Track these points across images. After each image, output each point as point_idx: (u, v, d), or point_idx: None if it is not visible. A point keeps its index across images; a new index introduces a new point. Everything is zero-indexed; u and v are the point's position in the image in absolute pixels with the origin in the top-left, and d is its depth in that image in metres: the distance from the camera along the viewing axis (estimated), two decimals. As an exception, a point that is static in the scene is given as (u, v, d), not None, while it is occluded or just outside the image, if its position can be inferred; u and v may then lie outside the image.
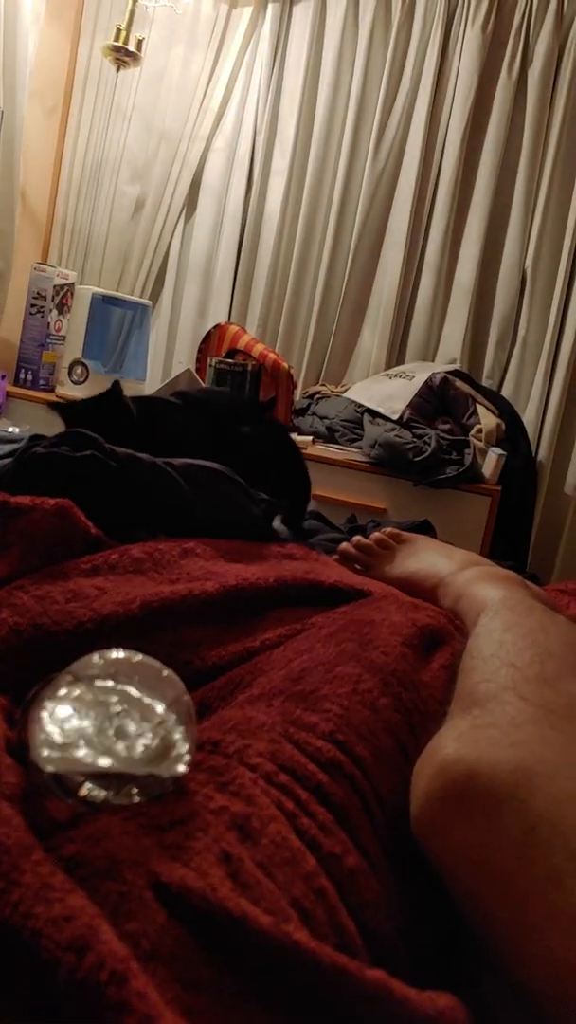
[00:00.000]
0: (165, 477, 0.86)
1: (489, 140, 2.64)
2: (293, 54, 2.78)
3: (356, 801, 0.45)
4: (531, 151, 2.60)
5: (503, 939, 0.38)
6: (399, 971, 0.40)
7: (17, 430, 1.76)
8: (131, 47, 2.56)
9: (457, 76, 2.65)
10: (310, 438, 2.45)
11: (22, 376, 2.63)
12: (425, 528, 1.47)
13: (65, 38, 2.82)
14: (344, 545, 1.06)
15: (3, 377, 2.53)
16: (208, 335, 2.61)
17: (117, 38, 2.55)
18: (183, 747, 0.40)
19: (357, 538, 1.07)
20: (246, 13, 2.81)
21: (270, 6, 2.77)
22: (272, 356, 2.46)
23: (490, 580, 0.85)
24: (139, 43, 2.59)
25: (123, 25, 2.56)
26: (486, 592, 0.80)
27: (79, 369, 2.48)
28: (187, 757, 0.41)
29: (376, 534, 1.07)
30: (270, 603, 0.74)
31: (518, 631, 0.61)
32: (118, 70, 2.64)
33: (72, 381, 2.50)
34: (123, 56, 2.56)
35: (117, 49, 2.55)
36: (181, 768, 0.40)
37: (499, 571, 0.90)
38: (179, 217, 2.91)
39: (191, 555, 0.78)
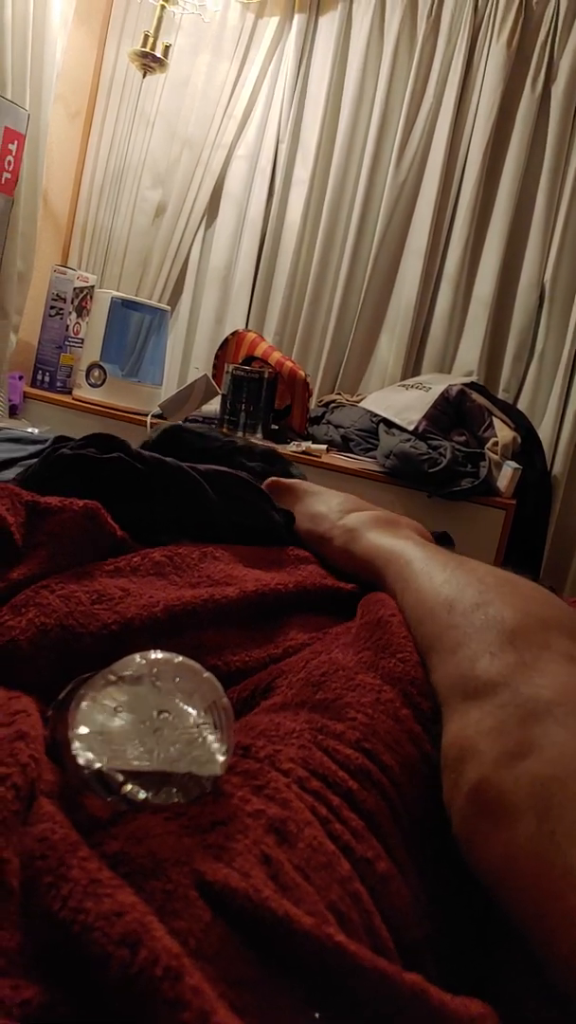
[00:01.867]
0: (191, 482, 0.87)
1: (511, 154, 2.65)
2: (318, 64, 2.80)
3: (385, 808, 0.46)
4: (553, 166, 2.61)
5: (534, 943, 0.39)
6: (429, 976, 0.41)
7: (36, 431, 1.77)
8: (158, 53, 2.58)
9: (481, 90, 2.66)
10: (325, 447, 2.46)
11: (39, 378, 2.65)
12: (444, 540, 1.47)
13: (92, 43, 2.85)
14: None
15: (21, 378, 2.54)
16: (225, 341, 2.62)
17: (144, 44, 2.57)
18: (221, 749, 0.41)
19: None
20: (272, 22, 2.83)
21: (296, 16, 2.79)
22: (289, 364, 2.46)
23: (381, 527, 0.88)
24: (166, 49, 2.61)
25: (151, 31, 2.57)
26: (385, 540, 0.83)
27: (96, 372, 2.49)
28: (225, 759, 0.41)
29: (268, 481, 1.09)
30: (291, 608, 0.75)
31: (459, 573, 0.65)
32: (144, 76, 2.66)
33: (89, 384, 2.51)
34: (150, 62, 2.58)
35: (144, 55, 2.57)
36: (219, 770, 0.41)
37: (381, 514, 0.93)
38: (200, 223, 2.92)
39: (211, 559, 0.79)
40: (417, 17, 2.70)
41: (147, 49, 2.57)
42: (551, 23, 2.60)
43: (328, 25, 2.79)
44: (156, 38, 2.58)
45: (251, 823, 0.39)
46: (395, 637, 0.65)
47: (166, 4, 2.59)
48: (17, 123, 2.30)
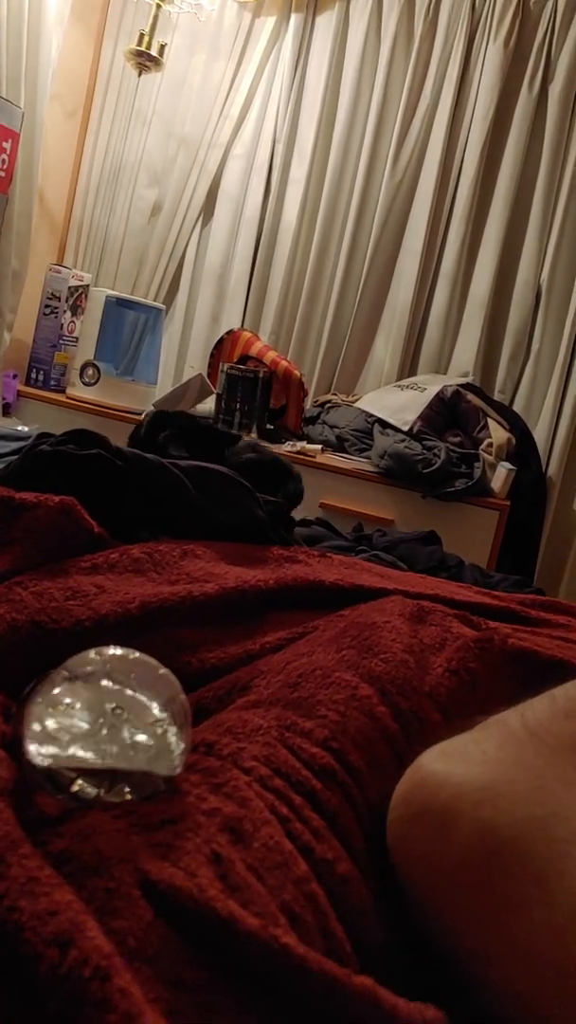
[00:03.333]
0: (171, 478, 0.86)
1: (508, 155, 2.65)
2: (314, 64, 2.80)
3: (349, 809, 0.45)
4: (550, 167, 2.60)
5: (464, 964, 0.37)
6: (388, 980, 0.40)
7: (26, 428, 1.76)
8: (154, 52, 2.58)
9: (478, 90, 2.66)
10: (320, 447, 2.45)
11: (33, 376, 2.64)
12: (432, 539, 1.46)
13: (88, 41, 2.84)
14: None
15: (15, 376, 2.53)
16: (221, 340, 2.61)
17: (140, 43, 2.57)
18: (177, 747, 0.40)
19: None
20: (269, 22, 2.83)
21: (293, 16, 2.78)
22: (284, 363, 2.46)
23: None
24: (162, 48, 2.60)
25: (146, 30, 2.57)
26: None
27: (91, 371, 2.49)
28: (181, 757, 0.40)
29: None
30: (271, 605, 0.74)
31: None
32: (140, 74, 2.66)
33: (83, 383, 2.51)
34: (145, 61, 2.58)
35: (139, 54, 2.56)
36: (175, 768, 0.40)
37: None
38: (196, 222, 2.92)
39: (191, 556, 0.78)
40: (414, 17, 2.70)
41: (143, 48, 2.57)
42: (548, 23, 2.60)
43: (325, 25, 2.78)
44: (152, 37, 2.58)
45: (204, 821, 0.38)
46: (383, 640, 0.64)
47: (162, 3, 2.59)
48: (11, 121, 2.29)
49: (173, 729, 0.41)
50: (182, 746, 0.40)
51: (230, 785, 0.42)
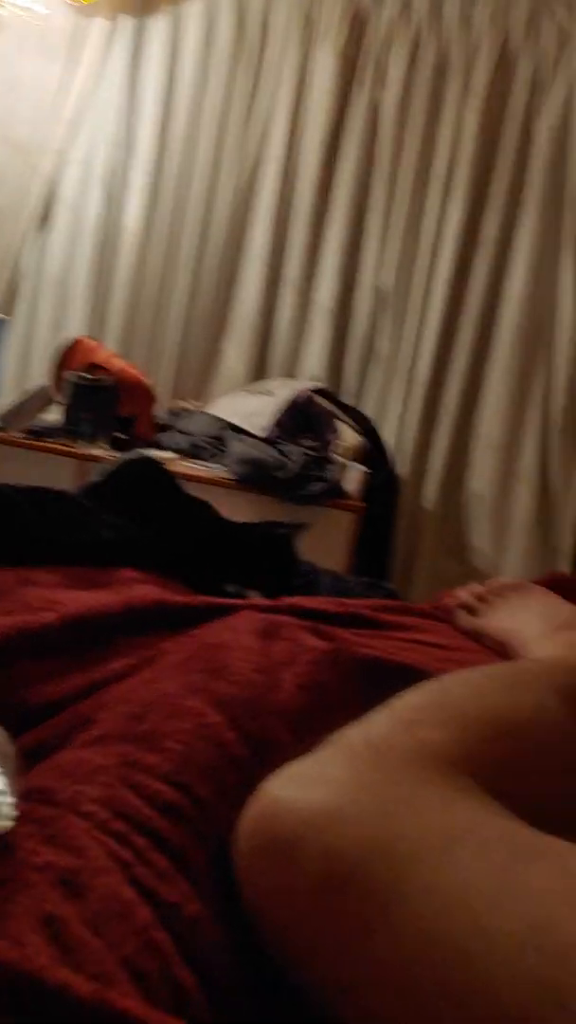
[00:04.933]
0: (2, 499, 0.82)
1: (345, 159, 2.70)
2: (151, 68, 2.76)
3: (197, 845, 0.43)
4: (386, 170, 2.67)
5: (320, 995, 0.36)
6: (243, 1018, 0.39)
7: None
8: (-20, 53, 2.48)
9: (315, 94, 2.69)
10: (173, 455, 2.42)
11: None
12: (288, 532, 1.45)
13: None
14: (460, 592, 1.04)
15: None
16: (65, 350, 2.54)
17: (-35, 43, 2.46)
18: (6, 801, 0.38)
19: (472, 584, 1.05)
20: (101, 24, 2.77)
21: (125, 19, 2.74)
22: (132, 371, 2.41)
23: (559, 647, 0.80)
24: (-12, 49, 2.51)
25: (-29, 30, 2.47)
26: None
27: None
28: (10, 810, 0.38)
29: (493, 581, 1.04)
30: (117, 631, 0.71)
31: (464, 681, 0.58)
32: (-34, 76, 2.55)
33: None
34: (-29, 62, 2.47)
35: (-35, 54, 2.46)
36: (4, 823, 0.37)
37: None
38: (34, 230, 2.83)
39: (29, 584, 0.75)
40: (246, 22, 2.70)
41: (-32, 48, 2.46)
42: (381, 31, 2.66)
43: (159, 29, 2.75)
44: (-22, 37, 2.48)
45: (36, 878, 0.36)
46: (231, 660, 0.63)
47: (-13, 2, 2.50)
48: None
49: (1, 781, 0.38)
50: (10, 800, 0.38)
51: (66, 834, 0.40)
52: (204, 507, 1.05)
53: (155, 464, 1.06)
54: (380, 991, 0.34)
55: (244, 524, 1.10)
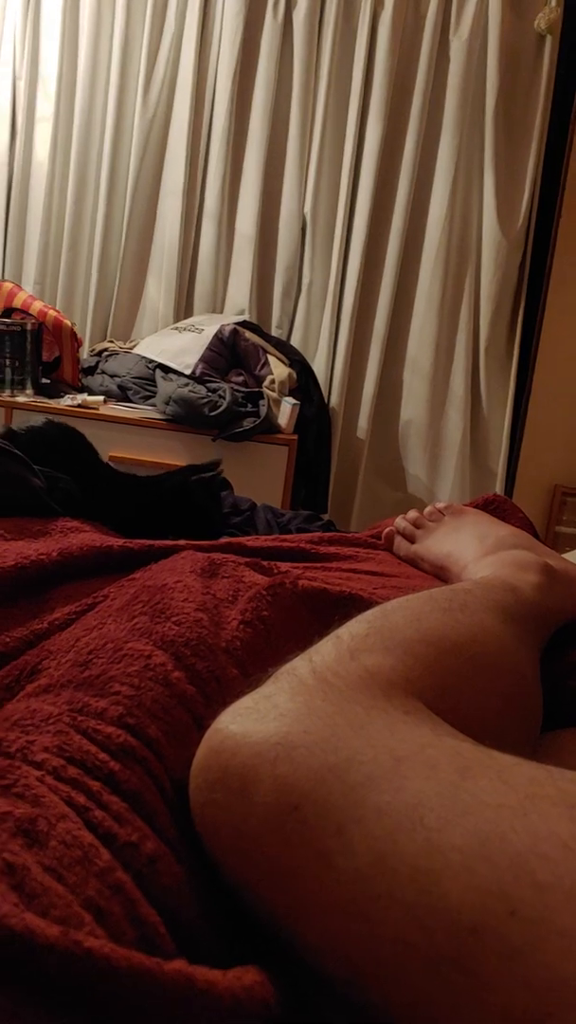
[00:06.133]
0: None
1: (259, 85, 2.62)
2: (48, -9, 2.63)
3: (151, 785, 0.43)
4: (301, 95, 2.61)
5: (281, 927, 0.37)
6: (210, 952, 0.40)
7: None
8: None
9: (223, 17, 2.60)
10: (102, 398, 2.38)
11: None
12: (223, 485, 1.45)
13: None
14: (398, 519, 1.04)
15: None
16: (-19, 295, 2.45)
17: None
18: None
19: (412, 511, 1.04)
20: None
21: None
22: (52, 313, 2.35)
23: (495, 567, 0.81)
24: None
25: None
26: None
27: None
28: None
29: (430, 507, 1.04)
30: (56, 579, 0.71)
31: (404, 606, 0.58)
32: None
33: None
34: None
35: None
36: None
37: (521, 558, 0.83)
38: None
39: (-37, 538, 0.73)
40: None
41: None
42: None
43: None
44: None
45: (-6, 831, 0.36)
46: (174, 602, 0.63)
47: None
48: None
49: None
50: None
51: (20, 784, 0.40)
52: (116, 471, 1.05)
53: (74, 431, 1.04)
54: (337, 912, 0.35)
55: (154, 478, 1.09)
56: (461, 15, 2.54)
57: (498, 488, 2.70)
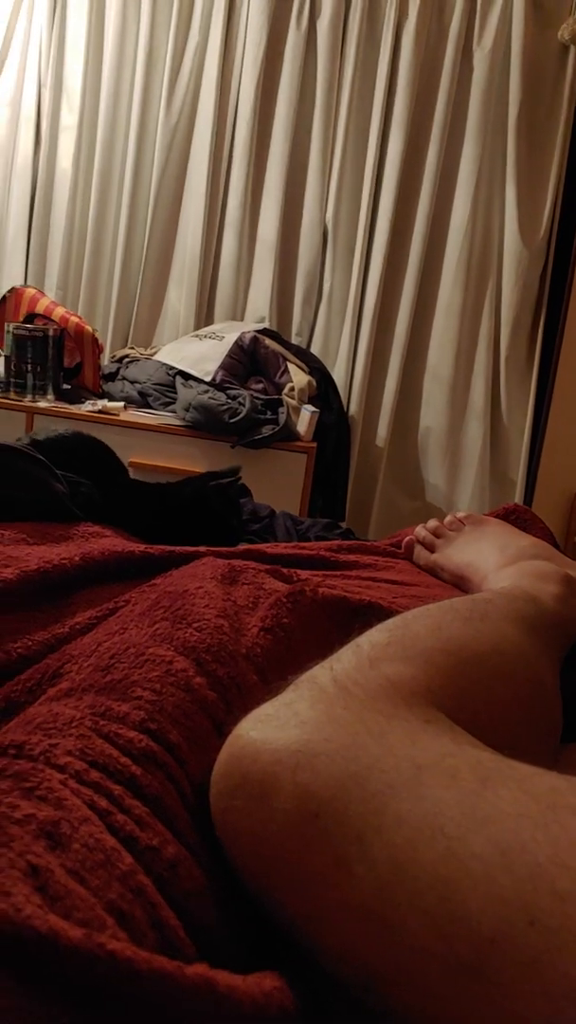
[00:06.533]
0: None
1: (283, 93, 2.63)
2: (74, 1, 2.65)
3: (172, 790, 0.44)
4: (325, 103, 2.62)
5: (300, 933, 0.37)
6: (229, 956, 0.40)
7: None
8: None
9: (247, 27, 2.62)
10: (122, 404, 2.39)
11: None
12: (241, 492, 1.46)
13: None
14: (418, 528, 1.04)
15: None
16: (3, 300, 2.48)
17: None
18: (-20, 758, 0.38)
19: (432, 520, 1.05)
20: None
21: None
22: (75, 319, 2.37)
23: (516, 577, 0.81)
24: None
25: None
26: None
27: None
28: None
29: (449, 516, 1.04)
30: (78, 584, 0.71)
31: (425, 615, 0.58)
32: None
33: None
34: None
35: None
36: (-20, 780, 0.38)
37: (542, 569, 0.83)
38: (-37, 175, 2.73)
39: (-12, 542, 0.74)
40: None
41: None
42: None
43: (81, -42, 2.64)
44: None
45: (17, 832, 0.36)
46: (195, 608, 0.63)
47: None
48: None
49: (-26, 740, 0.38)
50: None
51: (44, 787, 0.40)
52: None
53: (96, 441, 1.05)
54: (356, 919, 0.35)
55: (173, 487, 1.09)
56: (484, 25, 2.54)
57: (517, 498, 2.69)
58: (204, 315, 2.77)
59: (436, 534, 1.03)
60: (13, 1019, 0.28)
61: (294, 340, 2.72)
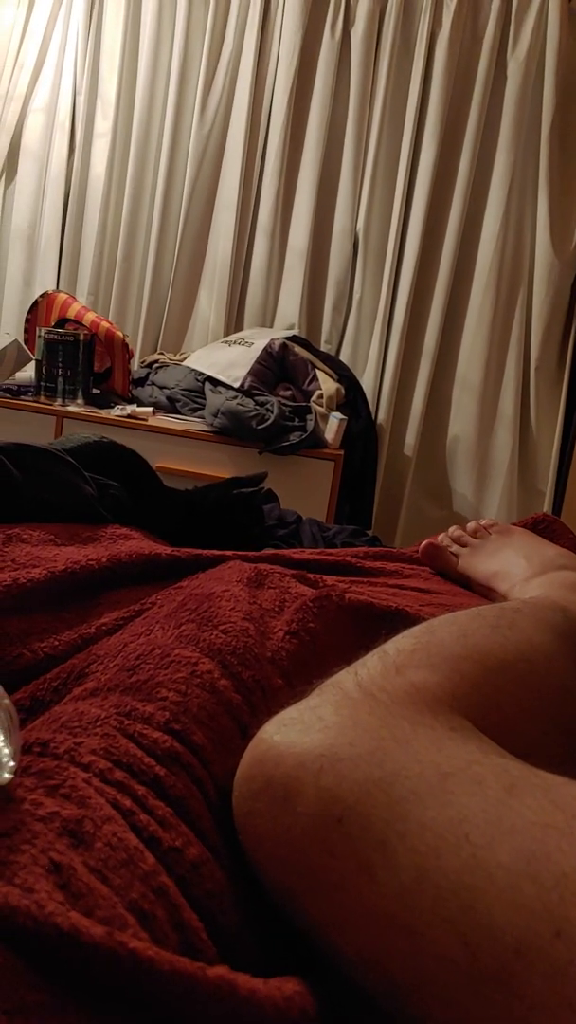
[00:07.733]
0: (-12, 459, 0.81)
1: (315, 101, 2.64)
2: (111, 9, 2.68)
3: (195, 791, 0.44)
4: (357, 112, 2.62)
5: (322, 938, 0.37)
6: (249, 959, 0.40)
7: None
8: None
9: (281, 36, 2.63)
10: (151, 409, 2.40)
11: None
12: (269, 498, 1.46)
13: None
14: (441, 535, 1.04)
15: None
16: (35, 304, 2.50)
17: None
18: (5, 753, 0.38)
19: (455, 527, 1.05)
20: (58, -36, 2.68)
21: (83, -43, 2.65)
22: (105, 324, 2.38)
23: (544, 587, 0.81)
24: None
25: None
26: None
27: None
28: (11, 764, 0.38)
29: (472, 523, 1.04)
30: (105, 585, 0.71)
31: (451, 622, 0.58)
32: None
33: None
34: None
35: None
36: (5, 775, 0.38)
37: (570, 579, 0.83)
38: (-1, 182, 2.77)
39: (16, 541, 0.74)
40: (210, -40, 2.62)
41: None
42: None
43: (118, -33, 2.67)
44: None
45: (41, 829, 0.36)
46: (221, 610, 0.63)
47: None
48: None
49: (0, 736, 0.38)
50: (10, 751, 0.38)
51: (67, 785, 0.40)
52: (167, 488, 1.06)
53: (125, 449, 1.05)
54: (379, 925, 0.35)
55: (199, 493, 1.09)
56: (519, 35, 2.54)
57: (546, 508, 2.67)
58: (234, 322, 2.78)
59: (460, 543, 1.02)
60: (38, 1014, 0.28)
61: (323, 347, 2.72)
